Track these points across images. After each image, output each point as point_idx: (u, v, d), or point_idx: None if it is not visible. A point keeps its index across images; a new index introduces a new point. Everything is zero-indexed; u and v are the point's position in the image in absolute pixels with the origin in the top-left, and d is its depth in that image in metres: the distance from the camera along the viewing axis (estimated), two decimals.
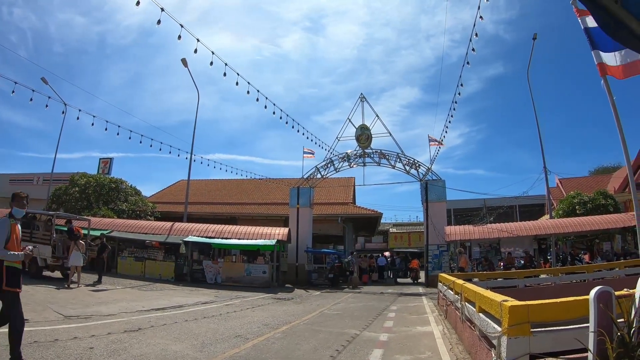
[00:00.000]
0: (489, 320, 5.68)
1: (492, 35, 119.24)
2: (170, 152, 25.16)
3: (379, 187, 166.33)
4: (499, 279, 15.22)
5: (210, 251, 23.79)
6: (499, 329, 4.94)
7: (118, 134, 21.34)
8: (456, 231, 22.98)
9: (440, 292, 13.40)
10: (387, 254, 37.52)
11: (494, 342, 5.09)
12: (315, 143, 25.87)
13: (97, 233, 21.91)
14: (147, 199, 36.91)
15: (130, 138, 21.73)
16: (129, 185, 34.68)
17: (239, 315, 11.41)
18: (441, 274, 14.33)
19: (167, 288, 18.23)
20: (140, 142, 22.74)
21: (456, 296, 9.28)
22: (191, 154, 28.46)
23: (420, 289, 22.08)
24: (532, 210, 48.86)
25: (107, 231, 23.87)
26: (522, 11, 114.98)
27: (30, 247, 5.52)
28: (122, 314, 10.52)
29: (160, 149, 23.93)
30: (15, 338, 4.93)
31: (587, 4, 2.18)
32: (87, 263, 17.83)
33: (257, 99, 16.92)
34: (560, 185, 40.97)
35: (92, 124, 19.90)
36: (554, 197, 42.86)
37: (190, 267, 22.86)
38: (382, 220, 42.33)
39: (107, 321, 9.42)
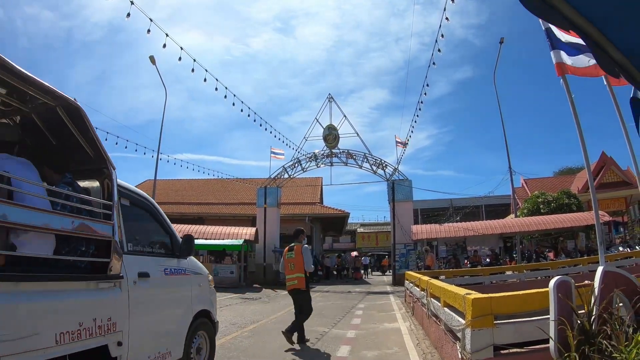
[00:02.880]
0: (454, 314, 5.72)
1: (461, 40, 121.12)
2: (136, 151, 24.45)
3: (346, 188, 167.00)
4: (465, 276, 15.42)
5: None
6: (463, 321, 4.97)
7: None
8: (423, 230, 23.22)
9: (407, 289, 13.47)
10: (354, 253, 37.74)
11: (459, 334, 5.13)
12: (284, 142, 25.82)
13: None
14: None
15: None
16: None
17: None
18: (407, 272, 14.43)
19: None
20: (106, 140, 21.98)
21: (422, 292, 9.33)
22: (158, 152, 27.87)
23: (388, 288, 22.22)
24: (497, 210, 49.67)
25: None
26: (491, 17, 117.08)
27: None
28: None
29: (126, 147, 23.25)
30: (302, 320, 7.83)
31: None
32: None
33: (225, 96, 16.80)
34: (525, 185, 41.63)
35: None
36: (519, 197, 43.50)
37: None
38: (350, 220, 42.50)
39: None
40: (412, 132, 23.83)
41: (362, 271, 34.48)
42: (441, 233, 22.85)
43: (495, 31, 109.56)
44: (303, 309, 7.94)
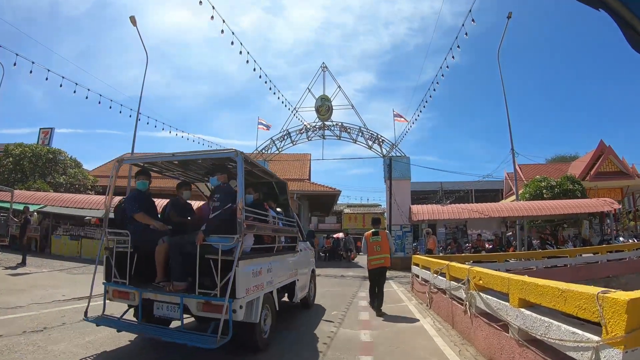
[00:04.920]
0: (556, 322, 3.70)
1: (450, 27, 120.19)
2: (121, 112, 22.24)
3: (333, 169, 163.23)
4: (470, 262, 13.62)
5: None
6: (596, 338, 3.02)
7: (61, 85, 17.61)
8: (423, 211, 21.19)
9: (418, 276, 11.58)
10: (340, 235, 36.06)
11: (582, 355, 3.16)
12: (287, 108, 23.66)
13: (21, 207, 18.72)
14: (89, 172, 33.42)
15: (75, 92, 18.25)
16: (69, 156, 31.10)
17: None
18: (417, 256, 12.59)
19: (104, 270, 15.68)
20: (87, 97, 19.45)
21: (453, 283, 7.42)
22: (137, 113, 25.32)
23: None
24: (487, 195, 48.51)
25: (40, 206, 21.06)
26: (481, 5, 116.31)
27: None
28: (32, 305, 8.28)
29: (110, 107, 21.17)
30: (381, 299, 9.33)
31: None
32: (10, 242, 16.52)
33: (240, 52, 16.21)
34: (519, 171, 40.56)
35: (46, 79, 16.61)
36: (512, 182, 42.53)
37: None
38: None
39: (9, 316, 7.18)
40: (424, 106, 21.98)
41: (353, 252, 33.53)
42: (444, 214, 20.88)
43: (484, 20, 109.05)
44: (383, 282, 9.62)
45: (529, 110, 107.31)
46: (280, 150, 26.11)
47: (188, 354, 5.38)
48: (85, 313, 5.50)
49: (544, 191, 26.05)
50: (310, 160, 35.83)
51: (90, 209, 21.29)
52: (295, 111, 25.33)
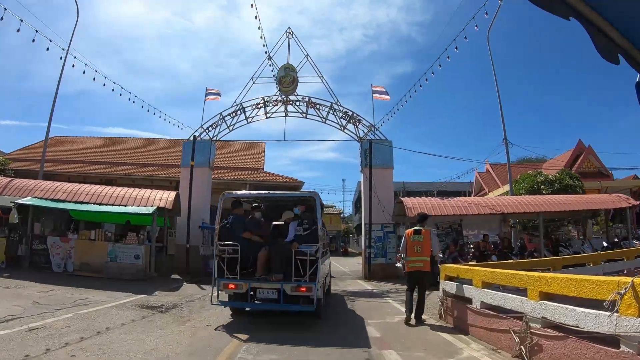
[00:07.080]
0: None
1: (404, 35, 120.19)
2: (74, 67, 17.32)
3: (288, 171, 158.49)
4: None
5: (71, 224, 16.29)
6: None
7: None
8: (420, 204, 16.57)
9: (470, 301, 7.09)
10: None
11: None
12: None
13: None
14: (4, 155, 27.69)
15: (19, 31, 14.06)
16: None
17: None
18: (461, 266, 8.27)
19: None
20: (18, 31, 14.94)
21: None
22: (66, 53, 19.71)
23: (367, 285, 15.40)
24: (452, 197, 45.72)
25: None
26: (436, 17, 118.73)
27: None
28: None
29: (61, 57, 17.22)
30: (424, 299, 8.52)
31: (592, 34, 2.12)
32: None
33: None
34: (491, 170, 40.05)
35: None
36: (484, 182, 40.20)
37: (30, 245, 14.84)
38: None
39: None
40: (416, 90, 18.52)
41: None
42: (445, 209, 16.45)
43: (438, 30, 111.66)
44: (425, 287, 8.49)
45: (493, 113, 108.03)
46: (231, 128, 20.70)
47: (278, 321, 8.36)
48: (211, 300, 8.34)
49: (542, 187, 22.90)
50: (264, 149, 30.89)
51: None
52: (252, 82, 20.33)
